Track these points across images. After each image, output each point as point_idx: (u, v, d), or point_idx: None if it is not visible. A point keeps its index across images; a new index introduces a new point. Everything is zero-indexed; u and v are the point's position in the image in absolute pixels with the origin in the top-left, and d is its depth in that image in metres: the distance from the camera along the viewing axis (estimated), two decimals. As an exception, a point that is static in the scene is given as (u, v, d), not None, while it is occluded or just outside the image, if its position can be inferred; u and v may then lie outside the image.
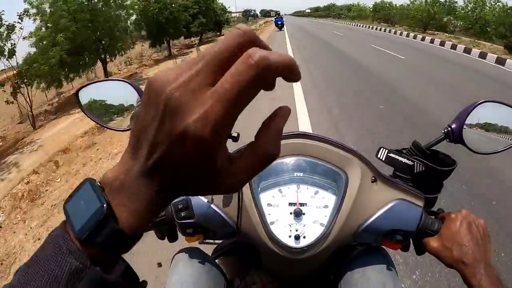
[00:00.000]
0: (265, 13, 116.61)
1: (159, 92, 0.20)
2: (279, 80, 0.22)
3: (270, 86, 0.21)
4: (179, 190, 0.23)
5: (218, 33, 25.33)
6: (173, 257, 0.63)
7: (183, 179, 0.22)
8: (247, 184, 0.57)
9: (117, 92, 0.64)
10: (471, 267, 0.52)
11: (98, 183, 0.24)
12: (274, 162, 0.62)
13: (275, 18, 27.83)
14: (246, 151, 0.23)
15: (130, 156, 0.23)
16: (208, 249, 0.70)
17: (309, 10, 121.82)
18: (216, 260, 0.72)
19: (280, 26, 23.81)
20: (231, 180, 0.23)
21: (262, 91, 0.21)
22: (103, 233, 0.22)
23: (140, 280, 0.27)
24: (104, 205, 0.22)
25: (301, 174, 0.59)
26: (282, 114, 0.23)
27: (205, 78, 0.20)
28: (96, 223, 0.22)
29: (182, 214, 0.57)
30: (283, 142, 0.61)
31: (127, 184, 0.22)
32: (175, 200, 0.58)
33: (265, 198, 0.57)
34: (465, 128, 0.61)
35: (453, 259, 0.54)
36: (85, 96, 0.64)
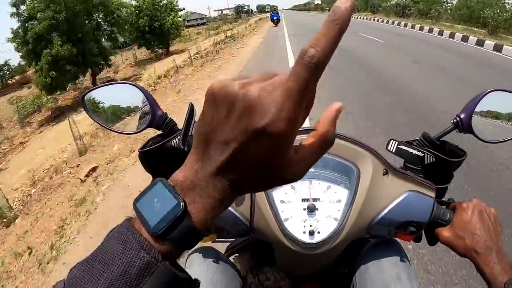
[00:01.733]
0: (261, 9, 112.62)
1: (231, 93, 0.22)
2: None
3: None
4: (248, 184, 0.25)
5: (164, 50, 20.09)
6: (187, 257, 0.63)
7: (254, 173, 0.24)
8: None
9: (122, 95, 0.64)
10: (483, 256, 0.52)
11: (170, 183, 0.25)
12: None
13: (270, 14, 26.73)
14: (309, 139, 0.25)
15: (199, 157, 0.24)
16: (220, 247, 0.71)
17: (319, 1, 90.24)
18: (230, 258, 0.72)
19: (276, 21, 23.14)
20: (296, 169, 0.24)
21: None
22: (179, 229, 0.23)
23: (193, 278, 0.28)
24: (182, 203, 0.23)
25: (313, 170, 0.59)
26: (336, 107, 0.24)
27: (272, 82, 0.22)
28: (173, 219, 0.23)
29: None
30: None
31: (197, 183, 0.24)
32: None
33: (278, 195, 0.57)
34: (474, 117, 0.61)
35: (466, 248, 0.55)
36: (90, 100, 0.64)
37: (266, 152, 0.22)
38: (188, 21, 75.26)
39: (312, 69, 0.21)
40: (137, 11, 18.14)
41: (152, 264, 0.23)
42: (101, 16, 13.56)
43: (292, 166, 0.24)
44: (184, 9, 22.51)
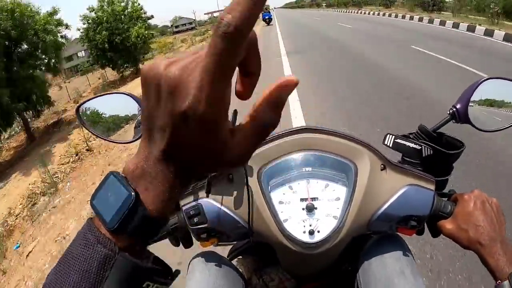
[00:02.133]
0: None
1: (156, 74, 0.21)
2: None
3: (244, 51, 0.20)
4: (192, 169, 0.24)
5: (133, 70, 15.85)
6: (190, 262, 0.64)
7: (193, 156, 0.23)
8: (257, 183, 0.57)
9: (117, 105, 0.64)
10: (487, 247, 0.52)
11: (121, 174, 0.24)
12: (282, 159, 0.61)
13: (262, 13, 26.57)
14: (245, 122, 0.23)
15: (145, 144, 0.24)
16: (222, 250, 0.71)
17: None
18: (233, 261, 0.72)
19: (268, 21, 22.64)
20: (235, 153, 0.23)
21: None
22: (134, 219, 0.23)
23: (173, 270, 0.28)
24: (132, 193, 0.23)
25: (310, 169, 0.58)
26: (285, 84, 0.21)
27: (194, 59, 0.21)
28: (126, 211, 0.23)
29: (195, 220, 0.57)
30: (290, 137, 0.60)
31: (147, 170, 0.23)
32: (186, 207, 0.58)
33: (276, 196, 0.57)
34: (470, 106, 0.60)
35: (469, 240, 0.54)
36: (86, 112, 0.64)
37: (197, 135, 0.21)
38: (176, 27, 70.57)
39: (228, 40, 0.18)
40: (94, 25, 14.70)
41: (110, 257, 0.23)
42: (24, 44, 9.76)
43: (230, 149, 0.23)
44: (152, 16, 17.50)
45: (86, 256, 0.23)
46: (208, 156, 0.23)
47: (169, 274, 0.27)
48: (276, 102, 0.22)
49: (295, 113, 3.98)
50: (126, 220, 0.23)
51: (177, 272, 0.28)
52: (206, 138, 0.21)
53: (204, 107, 0.20)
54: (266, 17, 22.89)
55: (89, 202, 0.26)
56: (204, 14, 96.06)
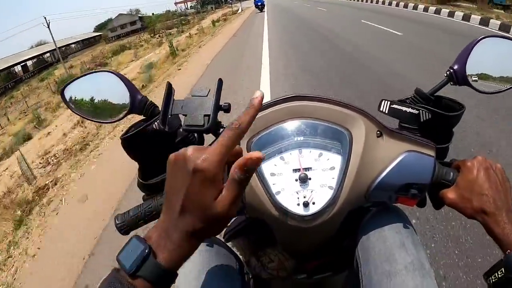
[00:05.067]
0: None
1: (180, 157, 0.32)
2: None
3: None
4: (198, 226, 0.31)
5: None
6: None
7: (197, 212, 0.31)
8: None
9: (102, 84, 0.62)
10: (493, 216, 0.49)
11: (142, 237, 0.32)
12: (272, 129, 0.59)
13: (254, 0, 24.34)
14: (227, 183, 0.32)
15: (166, 213, 0.32)
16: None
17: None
18: (230, 243, 0.70)
19: (260, 7, 22.35)
20: (223, 205, 0.31)
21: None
22: (146, 266, 0.30)
23: None
24: (147, 246, 0.31)
25: (302, 138, 0.56)
26: (255, 156, 0.31)
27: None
28: (141, 259, 0.30)
29: None
30: (279, 106, 0.58)
31: (164, 231, 0.32)
32: None
33: (267, 167, 0.55)
34: (468, 68, 0.57)
35: (474, 210, 0.51)
36: (70, 94, 0.63)
37: (200, 187, 0.30)
38: (113, 30, 53.76)
39: (236, 131, 0.32)
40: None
41: None
42: None
43: (219, 202, 0.31)
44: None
45: None
46: (207, 212, 0.31)
47: None
48: (246, 170, 0.31)
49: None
50: (139, 266, 0.30)
51: None
52: (205, 191, 0.30)
53: (207, 165, 0.30)
54: (259, 3, 22.48)
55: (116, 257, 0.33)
56: (175, 3, 77.52)
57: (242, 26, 16.05)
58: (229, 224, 0.72)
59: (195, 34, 18.58)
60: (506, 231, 0.47)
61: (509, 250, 0.45)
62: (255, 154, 0.31)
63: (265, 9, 22.63)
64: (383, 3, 15.93)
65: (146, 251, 0.30)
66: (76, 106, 0.63)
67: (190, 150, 0.32)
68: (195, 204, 0.31)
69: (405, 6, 13.40)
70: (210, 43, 12.48)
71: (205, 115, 0.50)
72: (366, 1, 18.44)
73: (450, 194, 0.55)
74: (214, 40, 13.17)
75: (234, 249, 0.68)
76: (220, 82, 0.52)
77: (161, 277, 0.31)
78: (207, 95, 0.52)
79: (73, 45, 52.17)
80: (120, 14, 57.09)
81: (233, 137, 0.31)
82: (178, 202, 0.31)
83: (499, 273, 0.46)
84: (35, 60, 44.23)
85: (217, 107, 0.51)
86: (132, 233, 0.42)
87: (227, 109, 0.53)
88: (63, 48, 47.89)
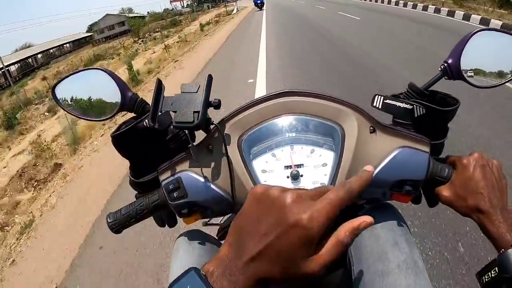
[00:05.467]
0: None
1: (271, 195, 0.29)
2: None
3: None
4: (273, 275, 0.28)
5: None
6: (174, 241, 0.61)
7: (280, 264, 0.27)
8: (238, 152, 0.54)
9: (93, 82, 0.62)
10: (487, 215, 0.48)
11: (203, 273, 0.28)
12: (263, 125, 0.58)
13: None
14: (329, 242, 0.29)
15: (233, 247, 0.28)
16: (211, 231, 0.68)
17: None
18: (223, 241, 0.69)
19: (260, 5, 22.18)
20: (314, 265, 0.28)
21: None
22: None
23: None
24: None
25: (294, 134, 0.55)
26: (365, 221, 0.30)
27: (308, 195, 0.30)
28: None
29: (175, 194, 0.54)
30: (270, 102, 0.57)
31: (229, 272, 0.27)
32: (165, 181, 0.55)
33: (258, 164, 0.54)
34: (462, 62, 0.56)
35: (468, 208, 0.50)
36: (61, 92, 0.62)
37: (294, 242, 0.27)
38: (100, 31, 48.30)
39: (349, 195, 0.30)
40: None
41: None
42: None
43: (311, 261, 0.28)
44: None
45: None
46: (292, 264, 0.27)
47: None
48: (357, 234, 0.29)
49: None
50: None
51: None
52: (299, 248, 0.27)
53: (314, 225, 0.27)
54: (258, 1, 22.19)
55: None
56: (171, 2, 70.28)
57: (236, 31, 13.46)
58: (221, 222, 0.72)
59: (177, 42, 15.38)
60: (501, 230, 0.46)
61: (503, 249, 0.44)
62: (368, 219, 0.29)
63: (264, 7, 22.61)
64: (389, 2, 15.29)
65: None
66: (67, 104, 0.62)
67: (290, 196, 0.28)
68: (281, 257, 0.27)
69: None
70: (191, 58, 9.62)
71: (194, 112, 0.50)
72: (376, 1, 17.49)
73: (444, 191, 0.54)
74: (196, 53, 10.24)
75: None
76: (210, 78, 0.51)
77: None
78: (197, 92, 0.51)
79: (67, 45, 48.19)
80: (108, 15, 50.69)
81: (344, 198, 0.29)
82: (256, 246, 0.27)
83: (492, 272, 0.45)
84: (18, 65, 39.50)
85: (207, 104, 0.51)
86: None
87: (217, 105, 0.52)
88: (52, 51, 44.78)
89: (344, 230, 0.28)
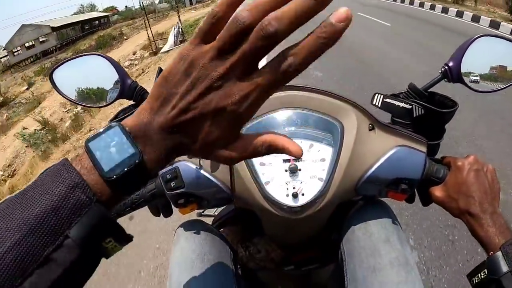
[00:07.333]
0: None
1: (202, 65, 0.23)
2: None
3: None
4: (189, 148, 0.25)
5: None
6: (175, 231, 0.61)
7: (199, 140, 0.24)
8: None
9: (92, 67, 0.61)
10: (477, 219, 0.49)
11: (127, 129, 0.24)
12: (263, 118, 0.58)
13: None
14: (256, 139, 0.26)
15: (153, 108, 0.24)
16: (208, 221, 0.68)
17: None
18: (221, 230, 0.69)
19: None
20: (230, 153, 0.26)
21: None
22: (134, 177, 0.24)
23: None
24: (139, 154, 0.24)
25: (293, 128, 0.55)
26: (288, 148, 0.27)
27: (240, 72, 0.23)
28: (130, 167, 0.23)
29: (172, 184, 0.54)
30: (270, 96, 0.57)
31: (148, 134, 0.24)
32: (163, 171, 0.55)
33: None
34: (463, 66, 0.57)
35: (459, 210, 0.52)
36: (59, 77, 0.61)
37: (222, 125, 0.24)
38: (12, 52, 28.43)
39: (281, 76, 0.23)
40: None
41: (85, 204, 0.23)
42: None
43: (229, 149, 0.25)
44: None
45: (59, 195, 0.22)
46: (211, 145, 0.25)
47: (125, 235, 0.26)
48: (270, 150, 0.26)
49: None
50: (125, 175, 0.23)
51: (131, 237, 0.27)
52: (225, 132, 0.24)
53: (243, 110, 0.23)
54: None
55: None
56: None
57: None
58: (217, 212, 0.72)
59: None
60: (490, 233, 0.48)
61: (492, 252, 0.46)
62: (296, 149, 0.28)
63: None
64: (411, 3, 12.21)
65: (139, 159, 0.23)
66: (65, 89, 0.61)
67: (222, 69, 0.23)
68: (199, 131, 0.24)
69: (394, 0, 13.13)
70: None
71: None
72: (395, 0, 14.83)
73: (438, 192, 0.55)
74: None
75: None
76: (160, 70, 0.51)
77: (135, 187, 0.25)
78: None
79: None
80: (24, 26, 30.75)
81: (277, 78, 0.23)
82: (179, 116, 0.23)
83: (482, 274, 0.46)
84: None
85: None
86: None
87: None
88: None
89: (268, 139, 0.26)
